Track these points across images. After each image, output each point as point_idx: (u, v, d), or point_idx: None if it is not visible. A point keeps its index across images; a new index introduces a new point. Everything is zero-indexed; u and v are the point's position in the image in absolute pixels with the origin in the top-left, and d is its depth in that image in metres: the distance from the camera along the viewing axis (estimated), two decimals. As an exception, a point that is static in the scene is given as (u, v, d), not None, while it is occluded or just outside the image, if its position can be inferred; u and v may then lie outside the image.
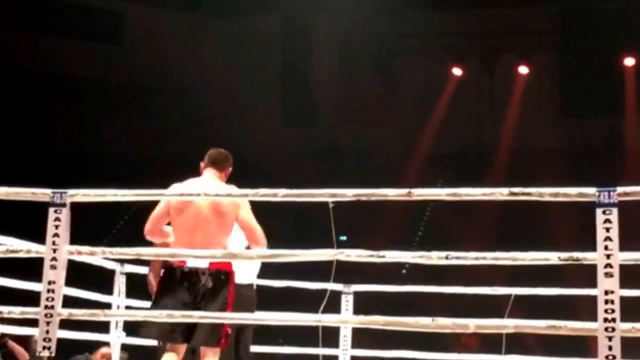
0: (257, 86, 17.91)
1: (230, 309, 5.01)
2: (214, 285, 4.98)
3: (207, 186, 5.10)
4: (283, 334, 10.68)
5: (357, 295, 7.47)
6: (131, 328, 6.84)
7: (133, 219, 15.13)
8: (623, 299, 3.83)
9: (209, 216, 5.07)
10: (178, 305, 4.89)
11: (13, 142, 17.03)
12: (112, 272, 7.05)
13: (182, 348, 5.11)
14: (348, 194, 4.33)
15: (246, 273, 6.14)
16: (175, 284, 4.99)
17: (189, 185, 5.19)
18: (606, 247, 3.83)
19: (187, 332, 4.98)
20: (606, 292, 3.80)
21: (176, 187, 5.18)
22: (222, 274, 5.01)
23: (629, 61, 16.73)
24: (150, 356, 6.33)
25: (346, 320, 6.60)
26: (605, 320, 3.77)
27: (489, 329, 4.44)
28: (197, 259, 4.92)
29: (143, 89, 18.45)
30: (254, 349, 7.19)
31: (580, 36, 16.49)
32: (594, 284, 3.85)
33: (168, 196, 5.14)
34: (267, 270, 6.40)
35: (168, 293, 4.99)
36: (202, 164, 5.40)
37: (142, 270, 6.68)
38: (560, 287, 6.98)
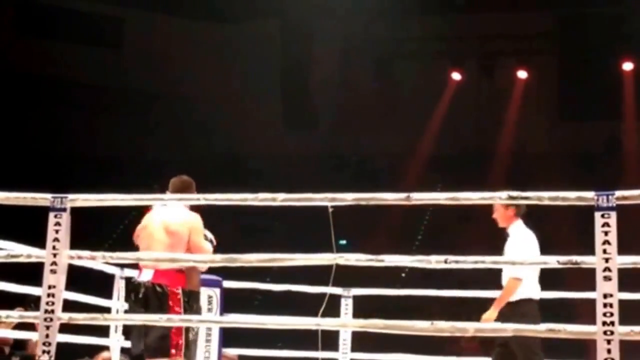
0: (257, 90, 17.91)
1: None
2: (149, 297, 5.27)
3: (170, 214, 5.42)
4: (282, 338, 10.67)
5: (357, 299, 7.48)
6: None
7: (133, 223, 15.10)
8: (622, 302, 3.83)
9: (160, 237, 5.39)
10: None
11: (13, 147, 17.03)
12: (112, 277, 7.06)
13: None
14: (347, 198, 4.33)
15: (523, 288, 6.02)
16: (127, 294, 5.51)
17: (154, 214, 5.50)
18: (605, 251, 3.83)
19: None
20: (605, 296, 3.80)
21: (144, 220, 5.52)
22: (158, 287, 5.28)
23: (627, 65, 16.74)
24: None
25: (345, 323, 6.62)
26: (604, 323, 3.78)
27: (489, 332, 4.44)
28: (146, 274, 5.27)
29: (143, 94, 18.45)
30: (254, 352, 7.21)
31: (578, 40, 16.52)
32: (593, 287, 3.86)
33: (167, 199, 5.18)
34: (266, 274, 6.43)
35: (127, 301, 5.44)
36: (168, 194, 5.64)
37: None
38: (560, 291, 6.98)
